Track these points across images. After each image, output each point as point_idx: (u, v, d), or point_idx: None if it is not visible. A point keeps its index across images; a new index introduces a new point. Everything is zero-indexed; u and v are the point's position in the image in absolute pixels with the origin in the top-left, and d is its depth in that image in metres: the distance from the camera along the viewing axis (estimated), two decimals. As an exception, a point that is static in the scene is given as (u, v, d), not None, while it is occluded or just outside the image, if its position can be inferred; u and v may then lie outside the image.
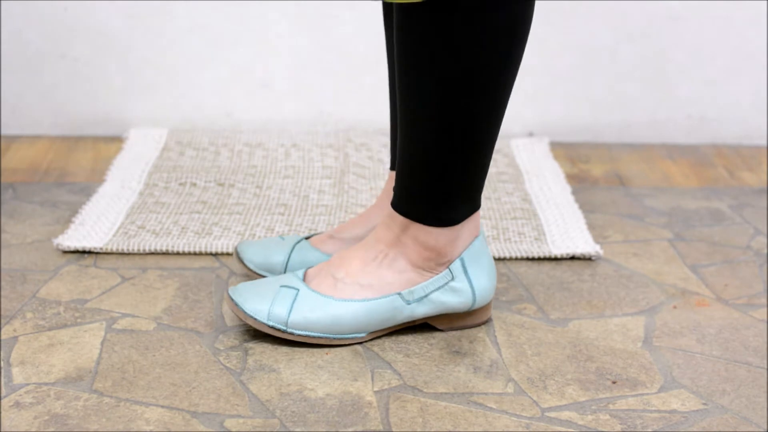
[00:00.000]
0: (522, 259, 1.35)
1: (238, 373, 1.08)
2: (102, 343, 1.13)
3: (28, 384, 1.05)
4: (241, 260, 1.25)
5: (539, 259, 1.35)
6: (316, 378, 1.07)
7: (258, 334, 1.14)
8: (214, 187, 1.55)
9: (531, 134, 1.82)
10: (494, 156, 1.70)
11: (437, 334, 1.16)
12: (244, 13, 1.75)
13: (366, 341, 1.13)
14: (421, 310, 1.13)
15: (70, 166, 1.66)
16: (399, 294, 1.11)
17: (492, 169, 1.63)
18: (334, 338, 1.12)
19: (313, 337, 1.11)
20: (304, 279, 1.14)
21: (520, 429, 1.00)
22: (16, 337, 1.14)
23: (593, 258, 1.35)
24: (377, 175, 1.59)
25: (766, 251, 1.39)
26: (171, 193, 1.52)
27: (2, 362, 1.09)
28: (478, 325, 1.17)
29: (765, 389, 1.07)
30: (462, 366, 1.10)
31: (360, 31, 1.75)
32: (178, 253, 1.34)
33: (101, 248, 1.34)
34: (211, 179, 1.57)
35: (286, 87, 1.78)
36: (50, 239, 1.37)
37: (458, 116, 1.03)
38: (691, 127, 1.83)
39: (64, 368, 1.08)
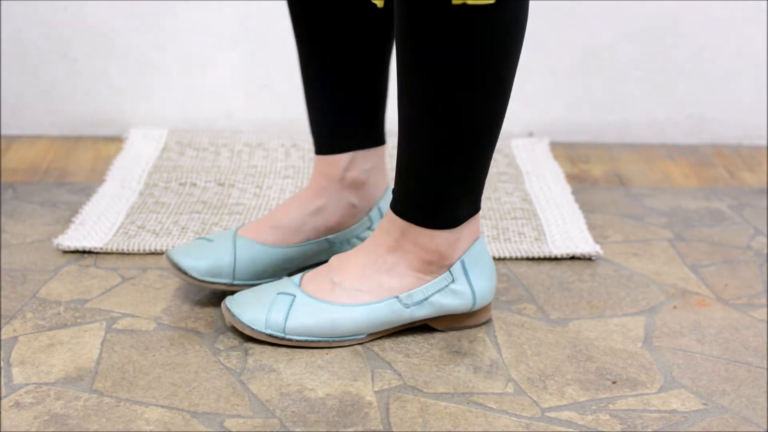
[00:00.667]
0: (522, 259, 1.35)
1: (238, 373, 1.08)
2: (102, 343, 1.13)
3: (28, 384, 1.05)
4: (182, 270, 1.18)
5: (539, 259, 1.35)
6: (316, 378, 1.07)
7: (258, 334, 1.14)
8: (214, 187, 1.55)
9: (531, 134, 1.82)
10: (494, 156, 1.70)
11: (437, 334, 1.16)
12: (244, 13, 1.75)
13: (366, 342, 1.13)
14: (420, 313, 1.13)
15: (70, 166, 1.66)
16: (397, 298, 1.11)
17: (492, 169, 1.63)
18: (333, 341, 1.12)
19: (312, 341, 1.11)
20: (300, 284, 1.14)
21: (520, 429, 1.00)
22: (16, 337, 1.14)
23: (593, 258, 1.35)
24: (377, 175, 1.59)
25: (766, 251, 1.39)
26: (171, 193, 1.52)
27: (2, 362, 1.09)
28: (478, 326, 1.17)
29: (765, 389, 1.07)
30: (462, 366, 1.10)
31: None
32: (178, 253, 1.34)
33: (101, 248, 1.34)
34: (211, 179, 1.57)
35: (286, 87, 1.78)
36: (50, 239, 1.37)
37: (462, 117, 1.03)
38: (691, 127, 1.83)
39: (64, 368, 1.08)
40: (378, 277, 1.11)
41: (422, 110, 1.03)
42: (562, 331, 1.18)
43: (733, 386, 1.08)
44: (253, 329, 1.11)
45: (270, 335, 1.11)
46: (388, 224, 1.12)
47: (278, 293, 1.12)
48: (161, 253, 1.34)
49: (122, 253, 1.34)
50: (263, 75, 1.79)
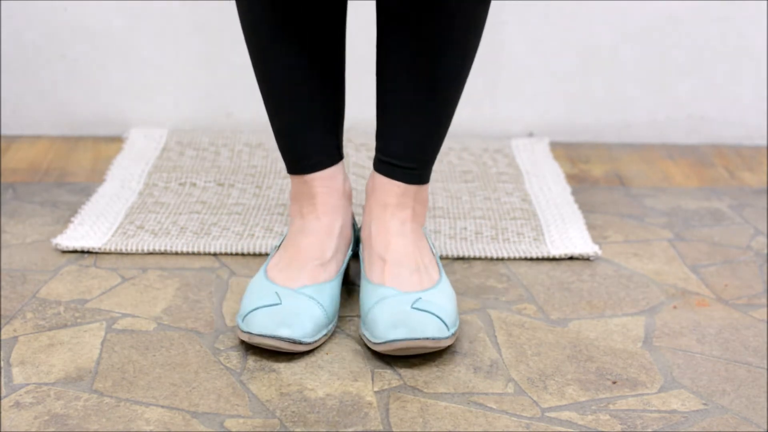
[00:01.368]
0: (522, 259, 1.35)
1: (238, 373, 1.08)
2: (102, 343, 1.13)
3: (28, 384, 1.05)
4: (294, 341, 1.08)
5: (539, 259, 1.35)
6: (316, 378, 1.07)
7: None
8: (214, 187, 1.55)
9: (531, 134, 1.82)
10: (494, 156, 1.70)
11: (437, 334, 1.16)
12: (244, 13, 1.75)
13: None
14: None
15: (70, 166, 1.66)
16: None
17: (492, 169, 1.64)
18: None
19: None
20: (404, 291, 1.13)
21: (520, 429, 1.00)
22: (16, 337, 1.14)
23: (592, 258, 1.35)
24: (377, 175, 1.59)
25: (766, 251, 1.39)
26: (171, 193, 1.52)
27: (2, 362, 1.09)
28: None
29: (765, 389, 1.07)
30: (462, 366, 1.10)
31: (360, 31, 1.74)
32: (178, 253, 1.34)
33: (99, 248, 1.34)
34: (211, 179, 1.57)
35: (286, 87, 1.77)
36: (50, 239, 1.37)
37: (462, 86, 1.16)
38: (691, 127, 1.83)
39: (64, 368, 1.08)
40: (424, 242, 1.20)
41: (456, 88, 1.15)
42: (562, 331, 1.18)
43: (733, 386, 1.08)
44: (443, 338, 1.09)
45: (454, 334, 1.11)
46: (401, 199, 1.18)
47: (412, 308, 1.10)
48: (161, 253, 1.34)
49: (122, 253, 1.34)
50: (263, 75, 1.79)
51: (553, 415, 1.02)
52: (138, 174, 1.59)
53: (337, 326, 1.17)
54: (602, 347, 1.15)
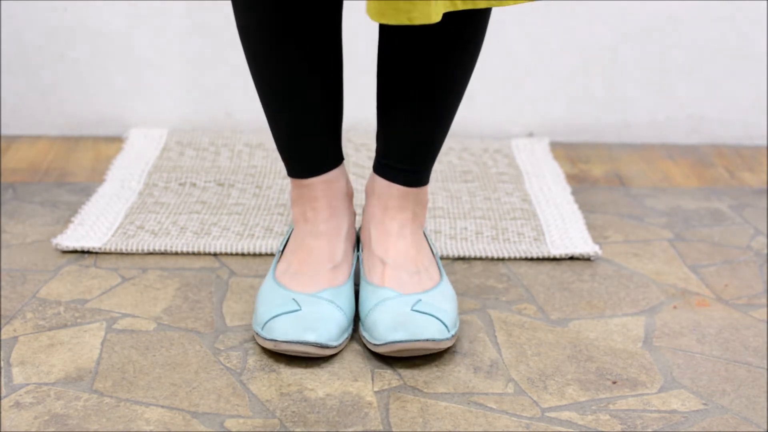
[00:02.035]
0: (522, 259, 1.35)
1: (238, 373, 1.08)
2: (102, 343, 1.13)
3: (28, 384, 1.05)
4: (320, 346, 1.07)
5: (539, 259, 1.35)
6: (316, 378, 1.07)
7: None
8: (214, 187, 1.55)
9: (531, 134, 1.82)
10: (494, 156, 1.70)
11: (437, 334, 1.16)
12: (244, 13, 1.75)
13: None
14: None
15: (70, 166, 1.66)
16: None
17: (492, 169, 1.64)
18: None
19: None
20: (403, 293, 1.13)
21: (520, 429, 1.00)
22: (16, 337, 1.14)
23: (592, 258, 1.35)
24: (377, 175, 1.59)
25: (766, 251, 1.39)
26: (171, 193, 1.52)
27: (2, 362, 1.09)
28: None
29: (765, 389, 1.07)
30: (462, 366, 1.10)
31: (359, 31, 1.74)
32: (178, 253, 1.34)
33: (99, 248, 1.34)
34: (211, 179, 1.57)
35: (286, 87, 1.77)
36: (50, 239, 1.37)
37: (463, 92, 1.18)
38: (691, 127, 1.83)
39: (64, 368, 1.08)
40: (424, 243, 1.21)
41: (457, 97, 1.16)
42: (562, 331, 1.18)
43: (733, 386, 1.08)
44: (442, 339, 1.09)
45: (454, 335, 1.11)
46: (401, 202, 1.18)
47: (412, 310, 1.10)
48: (161, 253, 1.34)
49: (122, 253, 1.34)
50: (263, 75, 1.79)
51: (553, 415, 1.02)
52: (138, 174, 1.59)
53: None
54: (602, 347, 1.15)
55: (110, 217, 1.43)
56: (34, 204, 1.50)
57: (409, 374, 1.08)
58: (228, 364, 1.09)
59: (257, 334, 1.10)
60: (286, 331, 1.07)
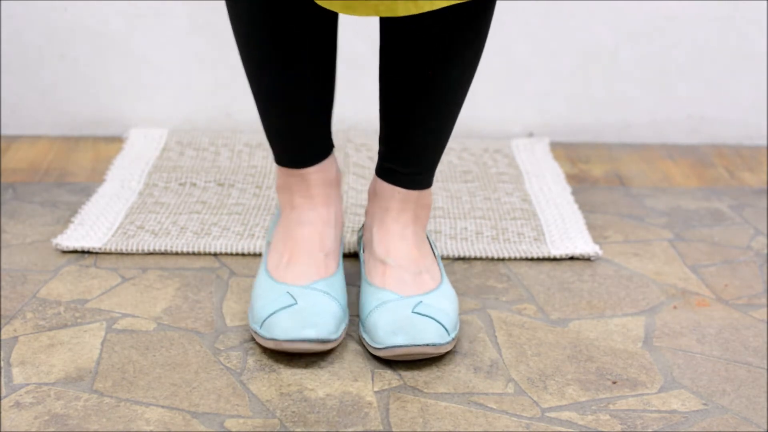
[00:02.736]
0: (522, 259, 1.35)
1: (238, 373, 1.08)
2: (102, 343, 1.13)
3: (28, 384, 1.05)
4: (320, 341, 1.07)
5: (539, 259, 1.35)
6: (316, 378, 1.07)
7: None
8: (214, 187, 1.55)
9: (531, 134, 1.82)
10: (494, 156, 1.70)
11: (437, 334, 1.16)
12: (244, 13, 1.75)
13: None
14: None
15: (70, 166, 1.66)
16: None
17: (492, 169, 1.64)
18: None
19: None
20: (404, 295, 1.13)
21: (521, 429, 1.00)
22: (16, 337, 1.14)
23: (592, 258, 1.35)
24: (377, 175, 1.59)
25: (766, 251, 1.39)
26: (171, 193, 1.52)
27: (2, 362, 1.09)
28: None
29: (765, 389, 1.07)
30: (462, 366, 1.10)
31: (359, 31, 1.75)
32: (178, 253, 1.34)
33: (99, 248, 1.34)
34: (211, 179, 1.57)
35: (286, 87, 1.77)
36: (50, 239, 1.37)
37: (465, 94, 1.16)
38: (691, 127, 1.83)
39: (64, 368, 1.08)
40: (425, 245, 1.21)
41: (461, 96, 1.15)
42: (563, 331, 1.18)
43: (733, 386, 1.08)
44: (442, 344, 1.09)
45: (454, 338, 1.11)
46: (401, 204, 1.18)
47: (413, 312, 1.10)
48: (161, 253, 1.34)
49: (122, 253, 1.34)
50: (263, 75, 1.79)
51: (553, 415, 1.02)
52: (138, 174, 1.59)
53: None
54: (602, 347, 1.15)
55: (110, 217, 1.43)
56: (34, 204, 1.50)
57: (409, 374, 1.08)
58: (228, 364, 1.09)
59: (256, 332, 1.10)
60: (286, 329, 1.07)
